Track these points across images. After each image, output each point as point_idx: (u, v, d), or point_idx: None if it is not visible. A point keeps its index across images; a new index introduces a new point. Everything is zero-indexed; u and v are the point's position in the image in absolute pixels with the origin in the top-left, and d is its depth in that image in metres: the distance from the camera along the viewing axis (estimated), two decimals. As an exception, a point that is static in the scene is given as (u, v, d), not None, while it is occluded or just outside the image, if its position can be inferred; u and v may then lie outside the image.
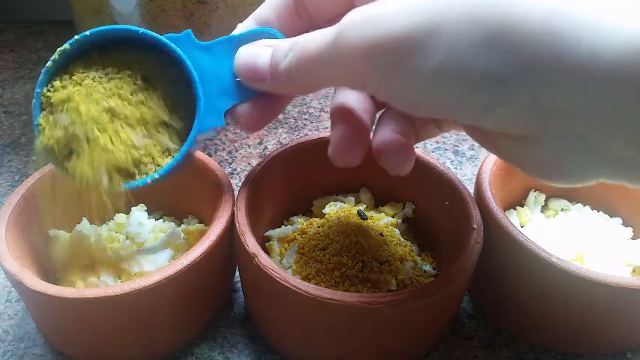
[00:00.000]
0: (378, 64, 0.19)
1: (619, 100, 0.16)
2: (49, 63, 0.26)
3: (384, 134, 0.24)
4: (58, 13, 0.67)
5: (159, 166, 0.27)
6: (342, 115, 0.24)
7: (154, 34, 0.26)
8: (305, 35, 0.22)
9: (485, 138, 0.21)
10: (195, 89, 0.26)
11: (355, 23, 0.19)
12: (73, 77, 0.26)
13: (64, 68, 0.26)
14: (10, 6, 0.68)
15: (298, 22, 0.26)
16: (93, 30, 0.26)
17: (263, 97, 0.26)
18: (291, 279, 0.27)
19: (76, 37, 0.26)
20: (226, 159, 0.49)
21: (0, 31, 0.68)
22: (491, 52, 0.17)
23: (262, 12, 0.26)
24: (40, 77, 0.26)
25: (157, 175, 0.26)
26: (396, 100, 0.20)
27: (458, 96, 0.18)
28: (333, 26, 0.20)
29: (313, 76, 0.22)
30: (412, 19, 0.18)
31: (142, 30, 0.26)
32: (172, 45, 0.26)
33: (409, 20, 0.18)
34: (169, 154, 0.27)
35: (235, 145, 0.50)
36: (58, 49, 0.26)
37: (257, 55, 0.24)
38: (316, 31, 0.21)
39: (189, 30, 0.26)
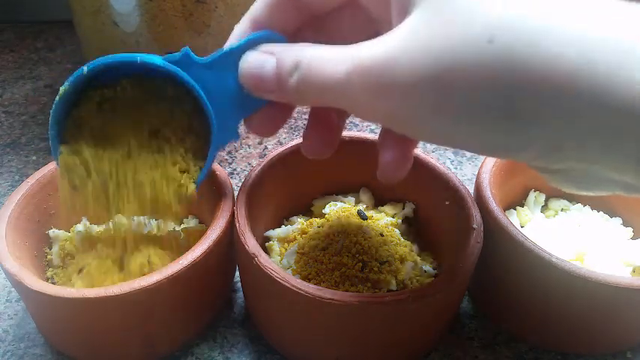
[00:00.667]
0: (394, 107, 0.19)
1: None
2: (54, 104, 0.26)
3: (387, 159, 0.26)
4: (58, 13, 0.67)
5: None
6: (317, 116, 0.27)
7: (155, 61, 0.25)
8: (310, 52, 0.21)
9: None
10: (206, 110, 0.26)
11: (366, 67, 0.19)
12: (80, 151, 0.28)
13: (70, 110, 0.27)
14: (10, 6, 0.68)
15: (295, 15, 0.25)
16: (90, 65, 0.25)
17: (274, 103, 0.25)
18: (291, 279, 0.27)
19: (74, 75, 0.25)
20: (226, 159, 0.49)
21: (0, 31, 0.68)
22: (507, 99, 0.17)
23: (257, 9, 0.26)
24: (50, 120, 0.27)
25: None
26: (410, 134, 0.21)
27: (471, 133, 0.18)
28: (342, 57, 0.20)
29: (324, 100, 0.21)
30: (425, 64, 0.17)
31: (139, 58, 0.25)
32: (177, 70, 0.25)
33: (422, 65, 0.17)
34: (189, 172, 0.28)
35: (235, 145, 0.50)
36: (60, 89, 0.26)
37: (261, 66, 0.23)
38: (322, 50, 0.21)
39: (187, 48, 0.25)
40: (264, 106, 0.26)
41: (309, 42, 0.22)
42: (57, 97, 0.26)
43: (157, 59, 0.25)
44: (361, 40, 0.20)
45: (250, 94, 0.24)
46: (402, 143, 0.25)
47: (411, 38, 0.18)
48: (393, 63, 0.18)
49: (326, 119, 0.27)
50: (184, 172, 0.28)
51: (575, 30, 0.16)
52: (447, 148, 0.50)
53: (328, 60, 0.20)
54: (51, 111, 0.26)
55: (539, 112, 0.16)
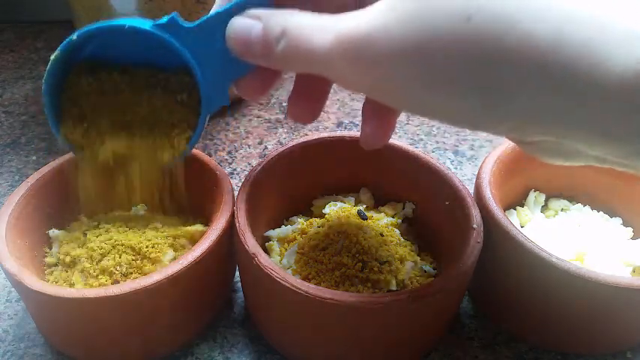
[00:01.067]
0: (376, 79, 0.19)
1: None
2: (46, 72, 0.26)
3: (370, 128, 0.27)
4: (58, 13, 0.67)
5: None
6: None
7: (143, 26, 0.25)
8: (297, 19, 0.21)
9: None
10: (195, 73, 0.26)
11: (349, 39, 0.19)
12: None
13: (65, 77, 0.28)
14: (10, 6, 0.68)
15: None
16: (80, 32, 0.25)
17: (263, 68, 0.25)
18: (291, 279, 0.27)
19: (64, 42, 0.26)
20: (226, 159, 0.49)
21: (0, 31, 0.68)
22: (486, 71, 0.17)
23: None
24: (43, 88, 0.27)
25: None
26: (391, 103, 0.21)
27: (448, 105, 0.19)
28: (328, 27, 0.20)
29: (309, 69, 0.22)
30: (405, 39, 0.18)
31: (128, 24, 0.25)
32: (162, 34, 0.25)
33: (402, 40, 0.18)
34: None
35: (235, 145, 0.50)
36: (51, 57, 0.26)
37: (247, 31, 0.23)
38: (308, 19, 0.21)
39: (175, 13, 0.25)
40: (254, 68, 0.26)
41: (296, 8, 0.22)
42: (48, 65, 0.26)
43: (145, 24, 0.25)
44: (346, 10, 0.20)
45: (238, 58, 0.24)
46: (384, 113, 0.27)
47: (393, 10, 0.18)
48: (375, 35, 0.19)
49: (311, 86, 0.28)
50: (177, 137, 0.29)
51: (551, 8, 0.16)
52: (447, 148, 0.50)
53: (313, 29, 0.20)
54: (43, 80, 0.26)
55: (513, 87, 0.17)
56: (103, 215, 0.35)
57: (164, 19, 0.25)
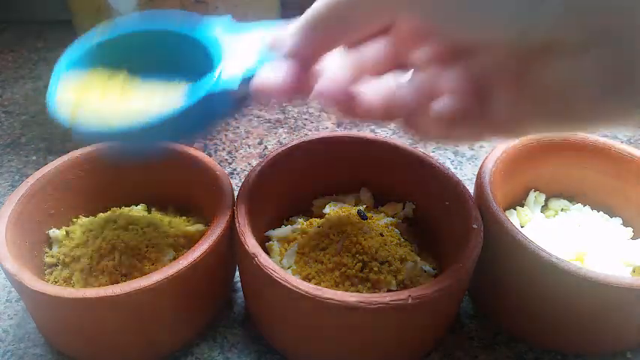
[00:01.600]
0: None
1: None
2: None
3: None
4: (58, 13, 0.67)
5: None
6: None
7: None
8: None
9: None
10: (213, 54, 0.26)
11: None
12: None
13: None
14: (10, 6, 0.68)
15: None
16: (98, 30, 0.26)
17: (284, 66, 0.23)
18: (291, 279, 0.27)
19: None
20: (226, 159, 0.49)
21: (0, 31, 0.68)
22: None
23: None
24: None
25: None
26: (426, 20, 0.20)
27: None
28: None
29: (340, 18, 0.21)
30: None
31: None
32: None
33: None
34: None
35: (235, 145, 0.50)
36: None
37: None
38: None
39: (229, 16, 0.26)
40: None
41: None
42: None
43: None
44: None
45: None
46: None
47: None
48: None
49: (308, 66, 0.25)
50: None
51: None
52: (447, 148, 0.50)
53: None
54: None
55: None
56: (102, 215, 0.35)
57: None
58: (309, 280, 0.30)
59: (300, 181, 0.37)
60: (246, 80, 0.25)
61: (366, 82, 0.23)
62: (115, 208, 0.35)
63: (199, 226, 0.35)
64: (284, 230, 0.35)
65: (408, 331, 0.29)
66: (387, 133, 0.51)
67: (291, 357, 0.32)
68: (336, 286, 0.30)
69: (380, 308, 0.26)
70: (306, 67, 0.24)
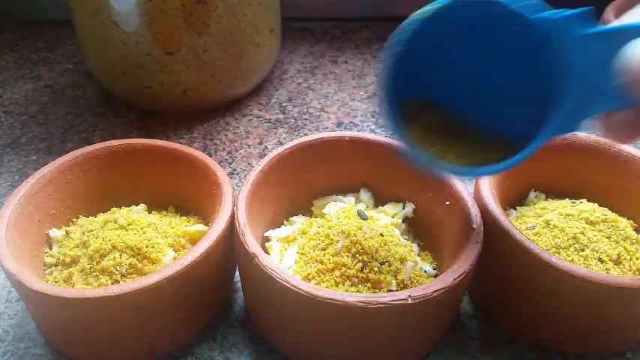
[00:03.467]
0: None
1: None
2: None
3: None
4: (58, 13, 0.67)
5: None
6: None
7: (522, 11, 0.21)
8: None
9: None
10: (562, 84, 0.22)
11: None
12: None
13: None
14: (10, 6, 0.68)
15: None
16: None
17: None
18: (291, 279, 0.27)
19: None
20: (226, 159, 0.49)
21: (0, 31, 0.68)
22: None
23: None
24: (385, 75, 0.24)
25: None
26: None
27: None
28: None
29: None
30: None
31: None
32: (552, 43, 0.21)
33: None
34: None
35: (235, 145, 0.50)
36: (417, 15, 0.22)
37: None
38: None
39: (591, 8, 0.20)
40: (629, 106, 0.21)
41: None
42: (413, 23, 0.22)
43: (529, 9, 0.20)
44: None
45: (621, 90, 0.19)
46: None
47: None
48: None
49: None
50: None
51: None
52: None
53: None
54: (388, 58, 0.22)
55: None
56: (102, 215, 0.35)
57: (566, 12, 0.20)
58: (309, 280, 0.30)
59: (300, 181, 0.37)
60: None
61: None
62: (114, 208, 0.35)
63: (199, 226, 0.35)
64: (284, 230, 0.35)
65: (408, 331, 0.29)
66: (387, 133, 0.51)
67: (290, 357, 0.32)
68: (336, 286, 0.30)
69: (380, 308, 0.26)
70: None
